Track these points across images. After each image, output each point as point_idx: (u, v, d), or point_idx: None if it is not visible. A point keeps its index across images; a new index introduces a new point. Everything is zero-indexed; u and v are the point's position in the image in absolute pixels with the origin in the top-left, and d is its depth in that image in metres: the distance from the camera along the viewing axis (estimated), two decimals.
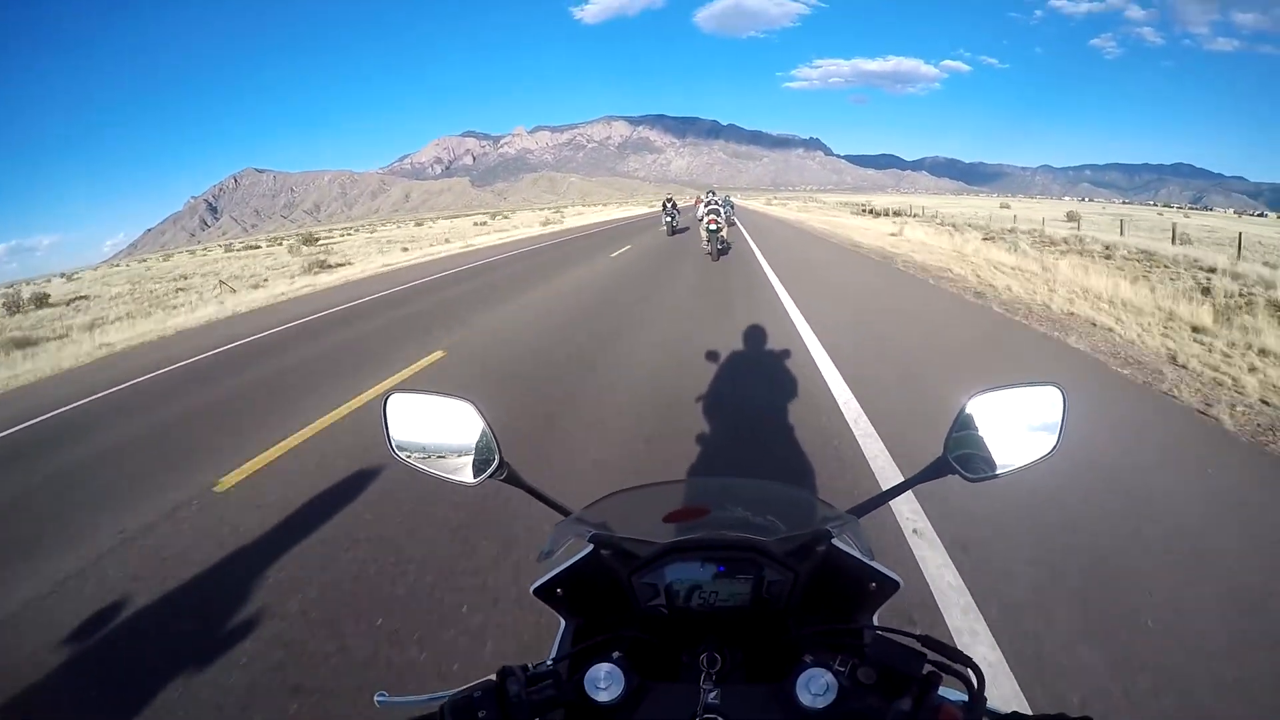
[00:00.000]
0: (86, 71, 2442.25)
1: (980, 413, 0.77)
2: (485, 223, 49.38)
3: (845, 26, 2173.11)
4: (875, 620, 0.74)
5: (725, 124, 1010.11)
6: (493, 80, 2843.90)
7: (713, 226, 11.58)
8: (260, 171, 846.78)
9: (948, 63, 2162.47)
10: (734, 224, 18.50)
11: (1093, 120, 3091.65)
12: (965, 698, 0.55)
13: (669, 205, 20.01)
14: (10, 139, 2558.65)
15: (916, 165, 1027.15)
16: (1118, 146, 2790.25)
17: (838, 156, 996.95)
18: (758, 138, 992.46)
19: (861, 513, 0.82)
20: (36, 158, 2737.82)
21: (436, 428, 0.84)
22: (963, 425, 0.78)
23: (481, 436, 0.82)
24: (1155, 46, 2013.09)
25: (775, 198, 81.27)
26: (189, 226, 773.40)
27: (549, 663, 0.62)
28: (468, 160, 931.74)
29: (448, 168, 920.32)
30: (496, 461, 0.81)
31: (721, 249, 11.82)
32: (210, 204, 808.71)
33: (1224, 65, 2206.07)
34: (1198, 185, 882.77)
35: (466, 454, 0.82)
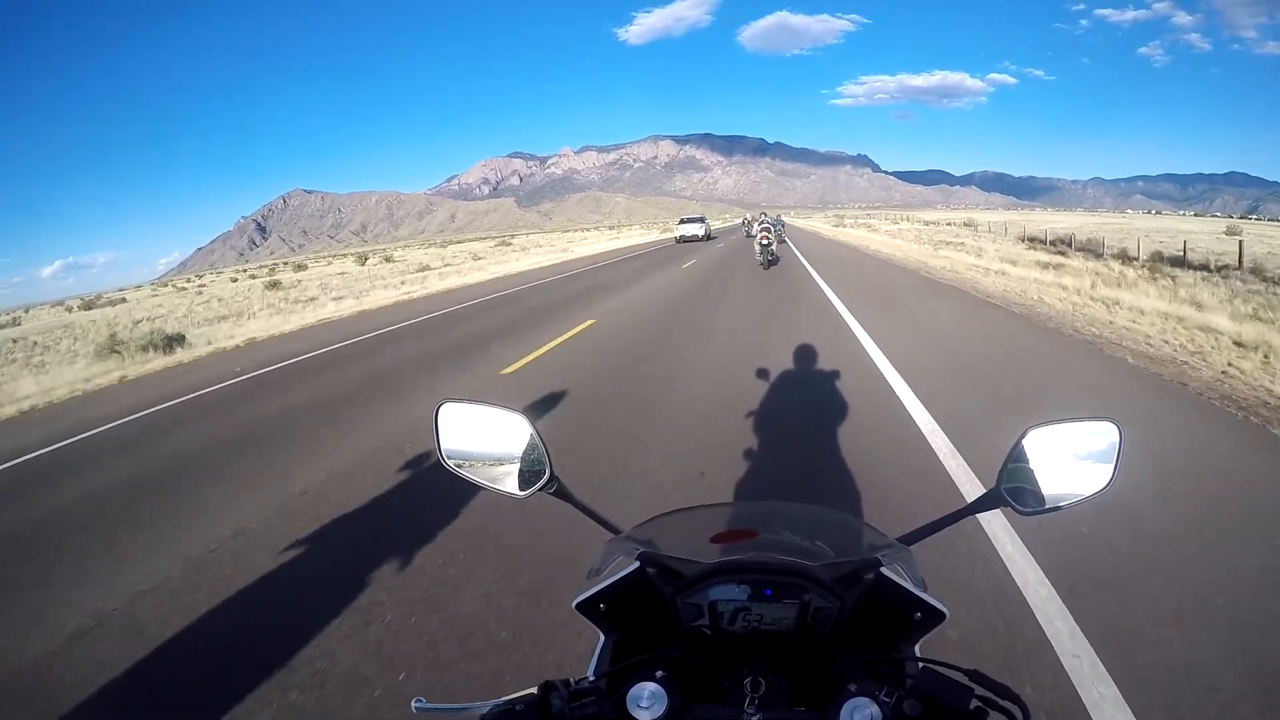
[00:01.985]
0: (144, 94, 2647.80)
1: (1035, 446, 0.80)
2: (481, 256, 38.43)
3: (889, 42, 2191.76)
4: (917, 650, 0.76)
5: (772, 142, 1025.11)
6: (539, 102, 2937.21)
7: (765, 241, 14.46)
8: (309, 192, 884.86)
9: (994, 76, 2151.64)
10: (784, 241, 20.77)
11: (1143, 130, 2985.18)
12: None
13: (756, 224, 17.86)
14: (70, 158, 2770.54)
15: (965, 180, 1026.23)
16: (1169, 156, 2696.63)
17: (886, 173, 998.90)
18: (805, 155, 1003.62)
19: (911, 541, 0.85)
20: (94, 177, 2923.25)
21: (488, 438, 0.88)
22: (1017, 457, 0.80)
23: (533, 449, 0.85)
24: (1203, 53, 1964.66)
25: (843, 218, 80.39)
26: (238, 246, 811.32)
27: (590, 678, 0.65)
28: (514, 181, 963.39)
29: (495, 188, 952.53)
30: (547, 475, 0.84)
31: (771, 260, 14.45)
32: (259, 224, 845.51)
33: (1275, 69, 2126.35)
34: (1253, 194, 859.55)
35: (517, 465, 0.86)
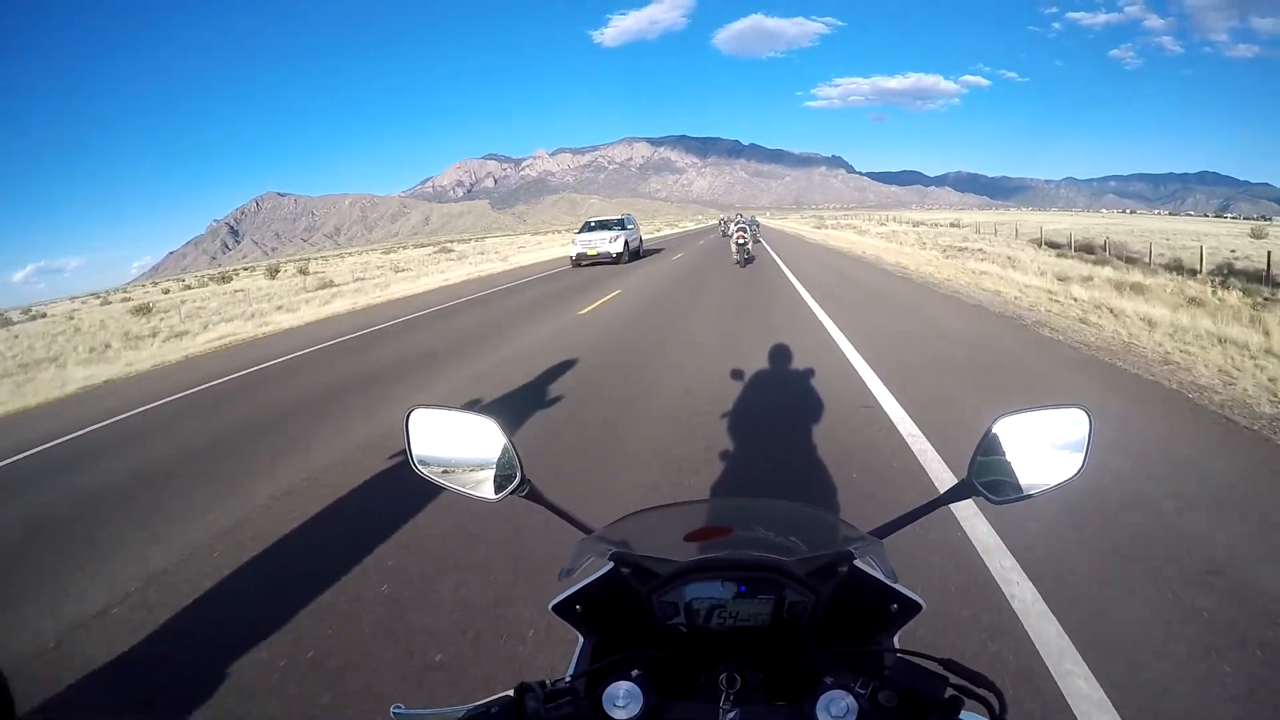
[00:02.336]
0: (112, 95, 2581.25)
1: (1006, 435, 0.81)
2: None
3: (864, 45, 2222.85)
4: (896, 642, 0.76)
5: (747, 144, 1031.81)
6: (513, 103, 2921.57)
7: (741, 240, 15.00)
8: (282, 195, 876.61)
9: (967, 78, 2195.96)
10: (759, 241, 20.73)
11: (1116, 131, 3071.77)
12: None
13: (733, 224, 18.78)
14: (37, 161, 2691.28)
15: (939, 181, 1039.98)
16: (1142, 156, 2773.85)
17: (860, 174, 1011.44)
18: (780, 156, 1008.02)
19: (884, 534, 0.85)
20: (63, 180, 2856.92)
21: (458, 443, 0.89)
22: (988, 447, 0.81)
23: (504, 453, 0.85)
24: (1175, 55, 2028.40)
25: (823, 218, 78.99)
26: (210, 249, 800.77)
27: (567, 679, 0.65)
28: (489, 183, 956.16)
29: (469, 190, 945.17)
30: (518, 478, 0.84)
31: (748, 258, 15.05)
32: (232, 227, 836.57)
33: (1245, 71, 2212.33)
34: (1224, 192, 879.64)
35: (488, 470, 0.86)
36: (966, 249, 19.22)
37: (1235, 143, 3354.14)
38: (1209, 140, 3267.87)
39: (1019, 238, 26.98)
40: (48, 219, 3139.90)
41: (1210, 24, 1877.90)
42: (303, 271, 36.06)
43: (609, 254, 18.59)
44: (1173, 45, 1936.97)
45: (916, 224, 47.39)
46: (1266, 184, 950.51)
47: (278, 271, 40.04)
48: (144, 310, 23.47)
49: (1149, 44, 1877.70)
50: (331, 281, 26.07)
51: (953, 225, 41.63)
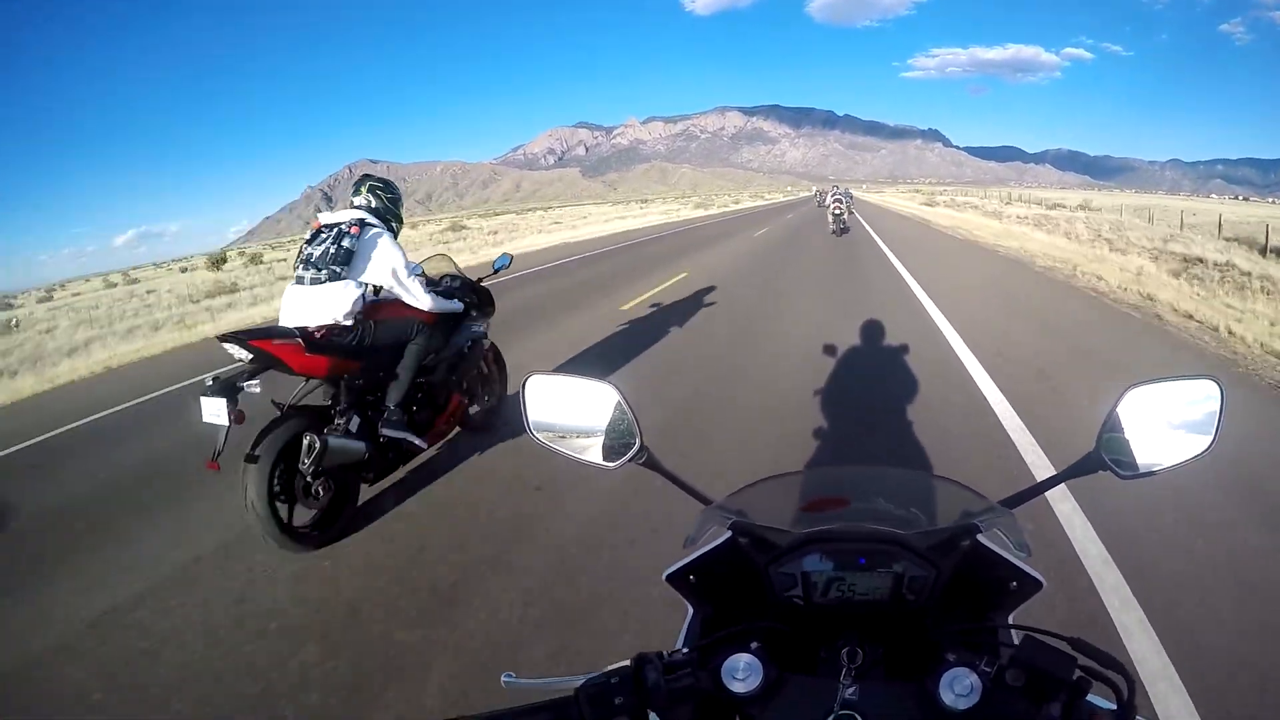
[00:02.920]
0: (212, 61, 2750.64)
1: (1134, 407, 0.80)
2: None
3: (962, 13, 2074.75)
4: (1011, 620, 0.75)
5: (841, 114, 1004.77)
6: (605, 71, 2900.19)
7: (837, 211, 16.75)
8: (374, 162, 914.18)
9: (1069, 50, 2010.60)
10: (852, 213, 20.77)
11: (1223, 111, 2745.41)
12: (1114, 706, 0.55)
13: (829, 196, 18.95)
14: (140, 126, 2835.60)
15: (1039, 158, 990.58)
16: (1250, 140, 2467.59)
17: (957, 148, 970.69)
18: (875, 128, 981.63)
19: (1013, 504, 0.84)
20: (164, 145, 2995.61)
21: (577, 410, 0.89)
22: (1116, 420, 0.80)
23: (622, 419, 0.86)
24: None
25: (933, 194, 67.63)
26: (304, 215, 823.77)
27: (684, 650, 0.64)
28: (580, 151, 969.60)
29: (560, 158, 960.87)
30: (637, 445, 0.85)
31: (843, 228, 16.79)
32: (326, 193, 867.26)
33: None
34: None
35: (607, 436, 0.87)
36: (1176, 252, 12.33)
37: None
38: None
39: (1185, 228, 21.29)
40: (149, 184, 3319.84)
41: None
42: (458, 227, 39.33)
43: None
44: None
45: (1051, 205, 38.79)
46: None
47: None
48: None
49: (1260, 18, 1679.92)
50: (496, 230, 32.70)
51: (1083, 208, 36.70)
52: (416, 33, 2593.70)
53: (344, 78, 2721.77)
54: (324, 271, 2.97)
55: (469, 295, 3.79)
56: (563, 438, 0.90)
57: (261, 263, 32.20)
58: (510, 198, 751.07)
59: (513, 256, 4.52)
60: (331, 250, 2.98)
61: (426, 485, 3.46)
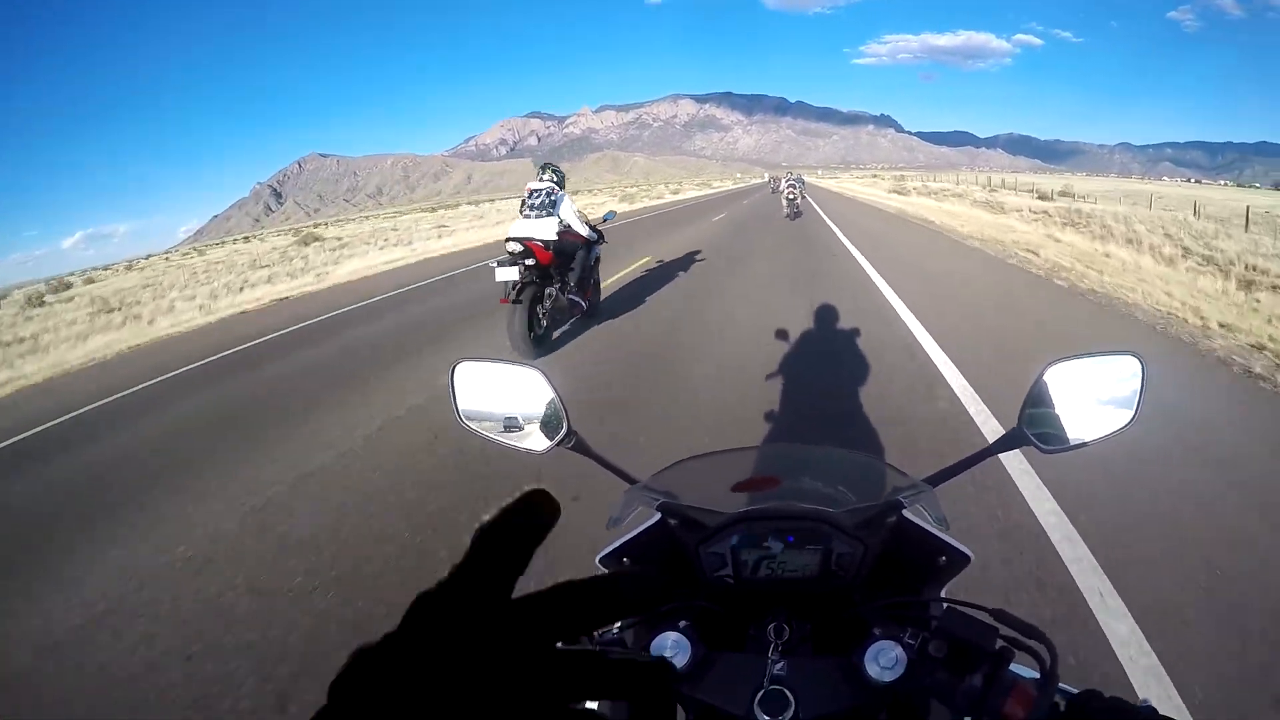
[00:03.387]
0: (157, 58, 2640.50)
1: (1056, 383, 0.81)
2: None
3: (914, 1, 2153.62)
4: (944, 594, 0.77)
5: (793, 101, 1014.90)
6: (557, 61, 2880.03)
7: (790, 196, 17.82)
8: (324, 156, 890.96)
9: (1020, 36, 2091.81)
10: (804, 197, 21.36)
11: (1172, 97, 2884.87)
12: (1038, 674, 0.56)
13: (784, 181, 19.99)
14: (85, 127, 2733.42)
15: (990, 143, 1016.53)
16: (1199, 124, 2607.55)
17: (909, 133, 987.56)
18: (827, 115, 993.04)
19: (936, 482, 0.85)
20: (111, 145, 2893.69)
21: (504, 396, 0.90)
22: (1038, 395, 0.81)
23: (549, 404, 0.86)
24: (1236, 18, 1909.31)
25: (904, 179, 63.67)
26: (253, 212, 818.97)
27: (615, 630, 0.67)
28: (532, 141, 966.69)
29: (513, 149, 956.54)
30: (564, 429, 0.85)
31: (796, 212, 17.71)
32: (275, 189, 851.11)
33: None
34: None
35: (534, 422, 0.87)
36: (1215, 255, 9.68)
37: None
38: (1269, 109, 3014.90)
39: (1197, 215, 18.90)
40: (96, 185, 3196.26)
41: None
42: (309, 239, 34.64)
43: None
44: (1234, 8, 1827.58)
45: (1039, 195, 31.29)
46: None
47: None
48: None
49: (1209, 6, 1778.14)
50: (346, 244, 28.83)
51: (1065, 194, 32.01)
52: (366, 24, 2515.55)
53: (292, 72, 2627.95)
54: (539, 211, 5.37)
55: (597, 231, 6.08)
56: (492, 423, 0.90)
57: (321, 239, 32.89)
58: (462, 190, 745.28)
59: (617, 213, 7.08)
60: (542, 200, 5.42)
61: (577, 330, 6.08)
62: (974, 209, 19.40)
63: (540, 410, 0.87)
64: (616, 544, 0.80)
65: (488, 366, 0.92)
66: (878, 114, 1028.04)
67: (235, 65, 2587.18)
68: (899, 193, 32.74)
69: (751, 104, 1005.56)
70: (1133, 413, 0.81)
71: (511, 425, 0.89)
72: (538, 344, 5.23)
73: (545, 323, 5.35)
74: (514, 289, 5.06)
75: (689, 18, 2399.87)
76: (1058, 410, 0.81)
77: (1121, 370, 0.82)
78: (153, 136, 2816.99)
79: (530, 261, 5.05)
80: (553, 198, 5.44)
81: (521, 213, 5.46)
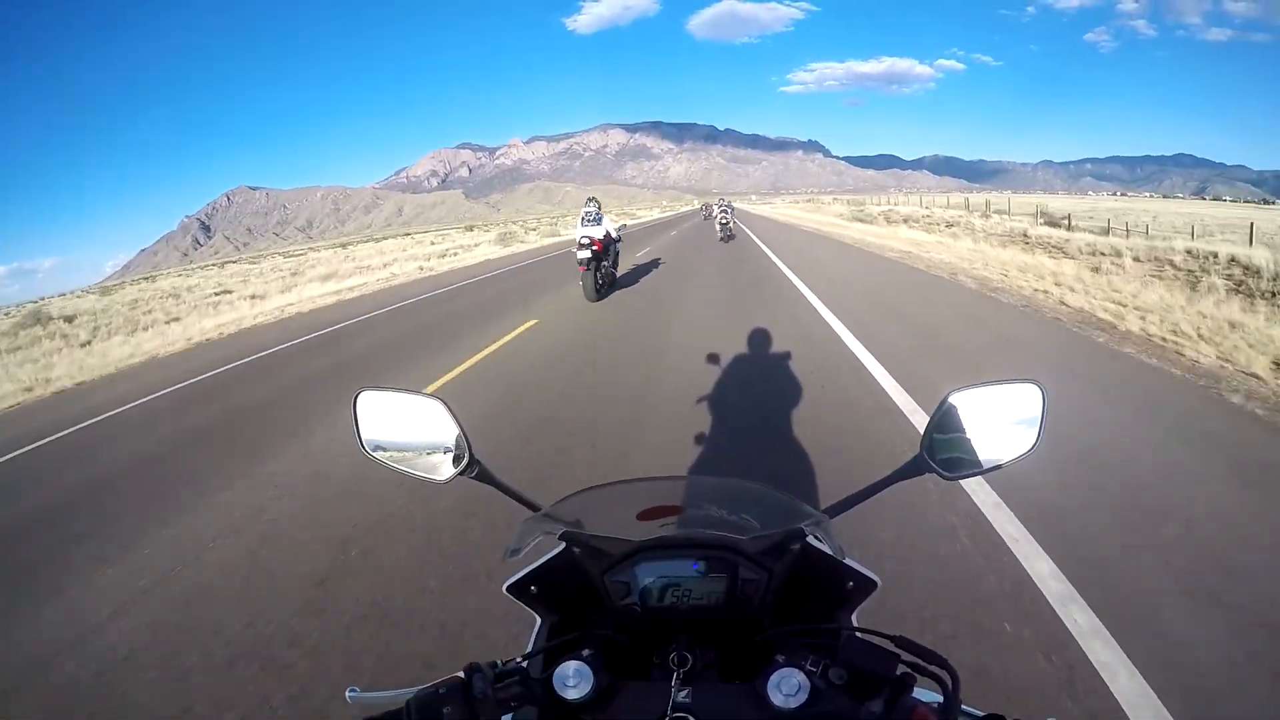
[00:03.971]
0: (80, 92, 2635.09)
1: (957, 410, 0.84)
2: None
3: (838, 29, 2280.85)
4: (855, 620, 0.82)
5: (723, 129, 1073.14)
6: (488, 92, 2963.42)
7: (723, 220, 21.68)
8: (253, 189, 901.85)
9: (942, 62, 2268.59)
10: (735, 221, 24.32)
11: (1091, 114, 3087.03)
12: (940, 699, 0.59)
13: (716, 208, 24.46)
14: (6, 161, 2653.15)
15: (916, 164, 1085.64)
16: (1117, 139, 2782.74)
17: (837, 158, 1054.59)
18: (756, 141, 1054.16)
19: (835, 512, 0.88)
20: (34, 179, 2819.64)
21: (407, 425, 0.93)
22: (940, 422, 0.85)
23: (452, 433, 0.90)
24: (1149, 39, 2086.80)
25: (863, 204, 52.50)
26: (181, 246, 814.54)
27: (519, 660, 0.69)
28: (464, 172, 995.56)
29: (444, 180, 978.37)
30: (467, 459, 0.88)
31: (729, 235, 21.27)
32: (203, 223, 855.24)
33: (1219, 54, 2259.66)
34: (1200, 175, 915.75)
35: (437, 451, 0.91)
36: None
37: (1210, 125, 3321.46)
38: (1184, 123, 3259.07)
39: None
40: (19, 219, 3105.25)
41: (1184, 7, 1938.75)
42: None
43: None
44: (1147, 29, 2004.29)
45: (1046, 220, 27.56)
46: (1242, 165, 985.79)
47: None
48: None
49: (1123, 27, 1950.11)
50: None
51: (985, 213, 30.86)
52: (294, 56, 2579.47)
53: (221, 103, 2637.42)
54: (592, 222, 10.27)
55: (619, 234, 10.91)
56: (395, 453, 0.94)
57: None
58: (393, 222, 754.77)
59: (627, 225, 15.14)
60: (594, 216, 10.38)
61: (614, 291, 10.99)
62: (1007, 250, 13.92)
63: (443, 439, 0.90)
64: (523, 573, 0.83)
65: (390, 396, 0.95)
66: (806, 140, 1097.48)
67: (163, 96, 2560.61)
68: (861, 220, 30.39)
69: (681, 132, 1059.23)
70: (1034, 438, 0.84)
71: (414, 455, 0.93)
72: (599, 293, 10.14)
73: (601, 281, 10.26)
74: (587, 263, 9.81)
75: (618, 48, 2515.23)
76: (959, 436, 0.85)
77: (1023, 397, 0.85)
78: (78, 168, 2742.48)
79: (592, 249, 9.82)
80: (598, 215, 10.29)
81: (582, 224, 10.31)
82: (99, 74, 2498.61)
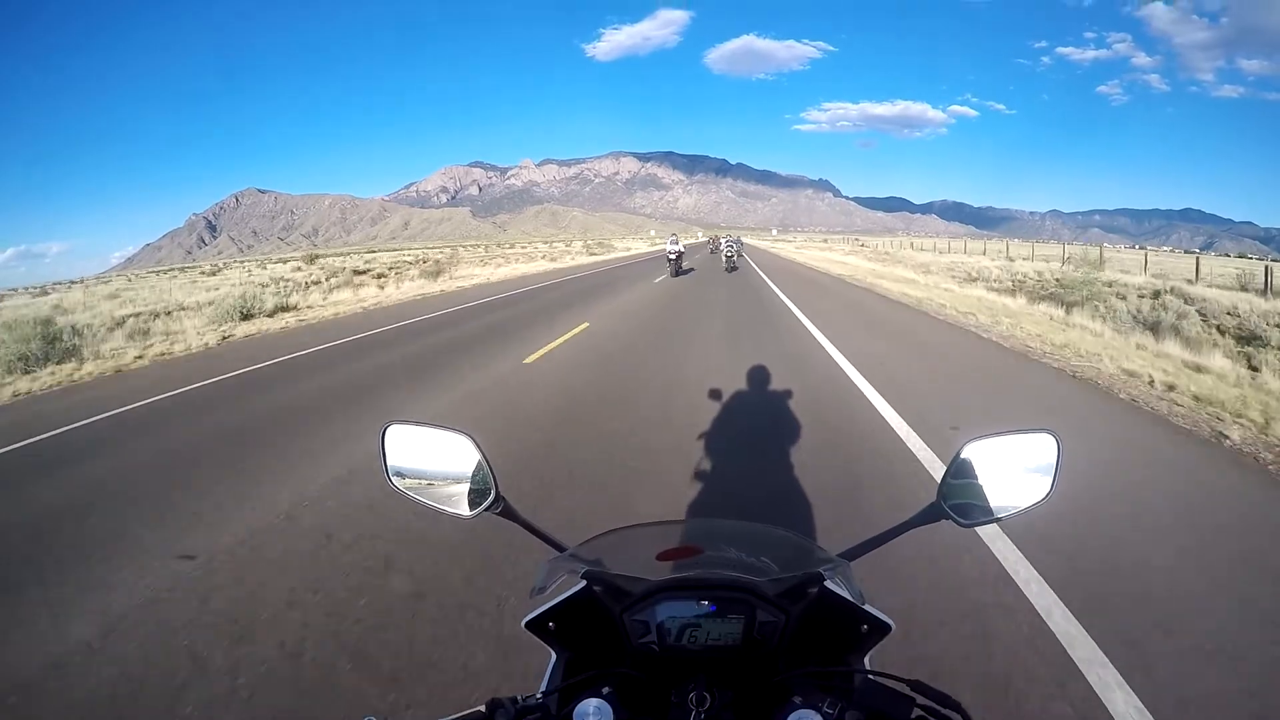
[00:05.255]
0: (101, 81, 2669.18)
1: (975, 459, 0.87)
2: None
3: (854, 71, 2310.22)
4: (867, 663, 0.83)
5: (734, 163, 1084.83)
6: (502, 112, 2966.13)
7: (729, 253, 24.89)
8: (263, 192, 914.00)
9: (955, 107, 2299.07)
10: (742, 255, 28.30)
11: (1101, 165, 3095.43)
12: None
13: (723, 241, 29.44)
14: (22, 143, 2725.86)
15: (925, 209, 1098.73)
16: (1126, 191, 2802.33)
17: (847, 198, 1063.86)
18: (767, 177, 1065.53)
19: (853, 556, 0.90)
20: (48, 164, 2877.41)
21: (434, 459, 0.95)
22: (958, 470, 0.87)
23: (478, 469, 0.91)
24: (1162, 93, 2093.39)
25: (891, 250, 43.62)
26: (186, 243, 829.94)
27: (538, 696, 0.70)
28: (473, 190, 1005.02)
29: (453, 197, 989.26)
30: (493, 495, 0.90)
31: (733, 267, 23.99)
32: (210, 222, 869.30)
33: (1231, 111, 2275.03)
34: (1207, 230, 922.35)
35: (463, 484, 0.93)
36: None
37: (1219, 181, 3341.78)
38: (1193, 178, 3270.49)
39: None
40: (31, 203, 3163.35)
41: (1197, 64, 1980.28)
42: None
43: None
44: (1159, 83, 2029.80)
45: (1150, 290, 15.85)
46: (1249, 222, 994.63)
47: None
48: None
49: (1136, 81, 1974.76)
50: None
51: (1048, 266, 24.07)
52: (314, 65, 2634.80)
53: (237, 102, 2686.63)
54: (673, 240, 22.74)
55: (684, 247, 23.43)
56: (421, 485, 0.96)
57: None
58: (398, 235, 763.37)
59: (678, 237, 24.94)
60: (675, 240, 22.70)
61: (684, 274, 21.83)
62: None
63: (469, 473, 0.92)
64: (542, 609, 0.85)
65: (418, 430, 0.97)
66: (816, 178, 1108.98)
67: (179, 92, 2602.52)
68: (884, 259, 29.00)
69: (693, 164, 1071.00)
70: (1049, 487, 0.87)
71: (441, 487, 0.95)
72: (676, 276, 20.74)
73: (677, 270, 21.27)
74: (672, 261, 21.49)
75: (635, 77, 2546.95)
76: (975, 485, 0.87)
77: (1038, 447, 0.88)
78: (93, 157, 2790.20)
79: (676, 255, 21.44)
80: (676, 239, 22.36)
81: (669, 243, 22.31)
82: (120, 65, 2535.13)
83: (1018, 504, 0.87)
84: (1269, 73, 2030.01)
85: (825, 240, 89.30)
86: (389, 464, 0.98)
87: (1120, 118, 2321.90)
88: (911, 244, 56.83)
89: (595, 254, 53.52)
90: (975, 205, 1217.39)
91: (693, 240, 66.44)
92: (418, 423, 0.98)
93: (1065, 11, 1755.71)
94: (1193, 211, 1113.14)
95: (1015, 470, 0.88)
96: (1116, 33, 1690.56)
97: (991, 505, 0.87)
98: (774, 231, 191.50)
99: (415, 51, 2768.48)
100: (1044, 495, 0.88)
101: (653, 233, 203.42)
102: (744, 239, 31.49)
